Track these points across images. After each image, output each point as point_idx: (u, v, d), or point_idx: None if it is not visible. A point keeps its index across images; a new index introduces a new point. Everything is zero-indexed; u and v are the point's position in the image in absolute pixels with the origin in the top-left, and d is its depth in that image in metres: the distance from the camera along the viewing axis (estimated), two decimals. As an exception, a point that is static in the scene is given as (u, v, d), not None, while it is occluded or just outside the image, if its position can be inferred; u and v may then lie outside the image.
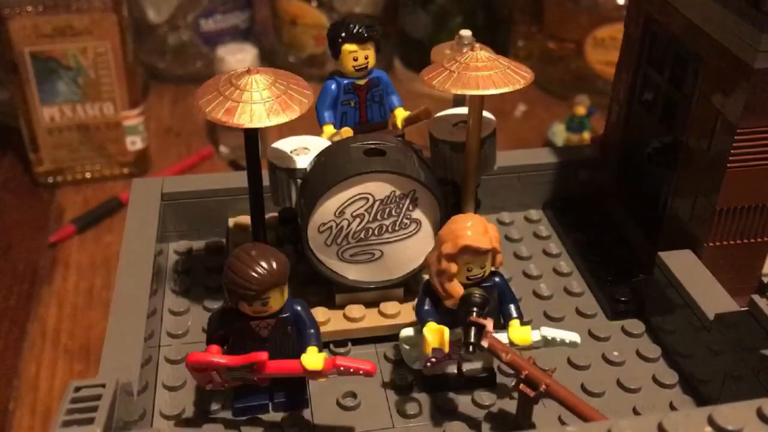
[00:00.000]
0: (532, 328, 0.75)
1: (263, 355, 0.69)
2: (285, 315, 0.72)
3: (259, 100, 0.75)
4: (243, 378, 0.72)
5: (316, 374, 0.70)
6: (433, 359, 0.76)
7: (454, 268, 0.72)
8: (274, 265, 0.68)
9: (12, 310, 1.27)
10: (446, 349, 0.73)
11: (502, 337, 0.74)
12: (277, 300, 0.70)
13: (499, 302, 0.76)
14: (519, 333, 0.75)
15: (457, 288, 0.72)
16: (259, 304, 0.69)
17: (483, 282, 0.74)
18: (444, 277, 0.72)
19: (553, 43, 1.84)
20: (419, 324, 0.75)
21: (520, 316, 0.76)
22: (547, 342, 0.75)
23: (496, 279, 0.76)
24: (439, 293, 0.74)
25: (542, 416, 0.76)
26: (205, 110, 0.75)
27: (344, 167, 0.80)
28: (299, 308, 0.73)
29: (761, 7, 0.74)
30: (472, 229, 0.71)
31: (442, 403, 0.78)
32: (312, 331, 0.73)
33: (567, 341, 0.75)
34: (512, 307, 0.76)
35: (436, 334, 0.72)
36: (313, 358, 0.70)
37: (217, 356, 0.70)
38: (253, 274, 0.67)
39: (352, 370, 0.70)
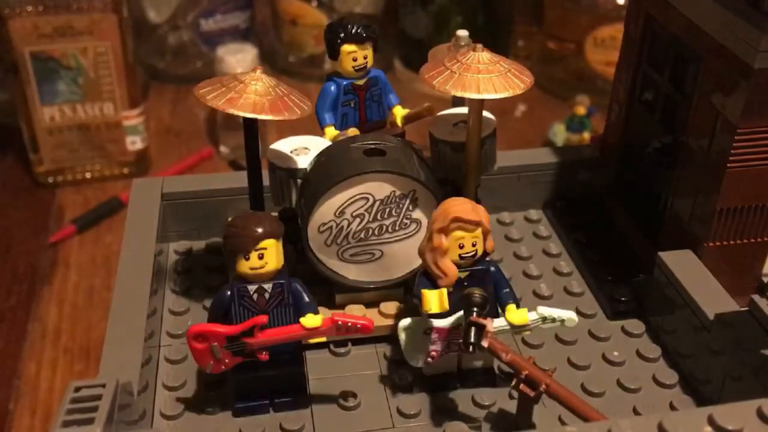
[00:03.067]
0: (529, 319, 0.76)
1: (262, 318, 0.72)
2: (282, 281, 0.74)
3: (263, 93, 0.75)
4: (243, 352, 0.73)
5: (315, 332, 0.73)
6: (434, 353, 0.76)
7: (445, 242, 0.73)
8: (268, 219, 0.73)
9: (12, 310, 1.27)
10: (446, 307, 0.74)
11: (500, 321, 0.75)
12: (272, 257, 0.72)
13: (494, 289, 0.77)
14: (516, 314, 0.75)
15: (449, 265, 0.73)
16: (256, 256, 0.71)
17: (476, 264, 0.75)
18: (437, 254, 0.73)
19: (553, 43, 1.84)
20: (416, 298, 0.76)
21: (515, 301, 0.77)
22: (544, 320, 0.75)
23: (491, 268, 0.77)
24: (433, 273, 0.74)
25: (542, 416, 0.76)
26: (206, 98, 0.75)
27: (344, 167, 0.80)
28: (296, 284, 0.75)
29: (761, 7, 0.74)
30: (460, 204, 0.74)
31: (442, 402, 0.78)
32: (308, 300, 0.75)
33: (564, 318, 0.75)
34: (507, 292, 0.77)
35: (434, 297, 0.74)
36: (311, 319, 0.73)
37: (217, 325, 0.73)
38: (249, 223, 0.72)
39: (350, 323, 0.72)
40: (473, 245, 0.74)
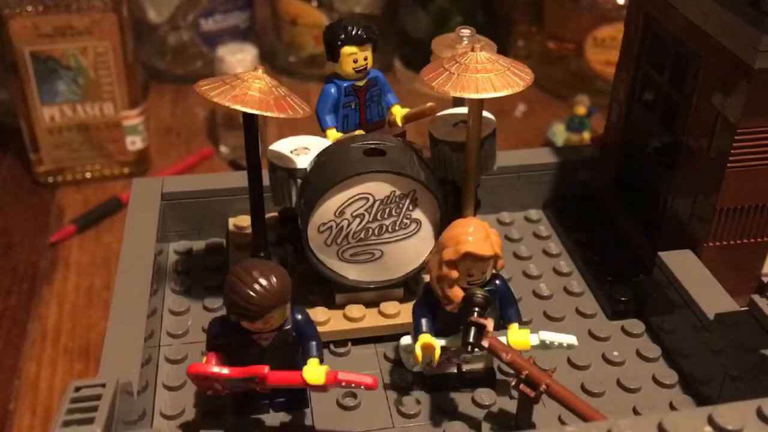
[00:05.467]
0: (532, 330, 0.76)
1: (264, 369, 0.69)
2: (287, 327, 0.72)
3: (267, 92, 0.75)
4: (243, 387, 0.72)
5: (317, 388, 0.70)
6: (432, 364, 0.76)
7: (455, 274, 0.71)
8: (276, 285, 0.67)
9: (12, 310, 1.27)
10: (434, 364, 0.75)
11: (502, 340, 0.74)
12: (278, 317, 0.70)
13: (499, 305, 0.76)
14: (518, 337, 0.75)
15: (457, 293, 0.72)
16: (260, 322, 0.69)
17: (484, 285, 0.74)
18: (445, 283, 0.72)
19: (552, 43, 1.84)
20: (414, 332, 0.76)
21: (519, 320, 0.76)
22: (545, 345, 0.75)
23: (497, 282, 0.75)
24: (439, 298, 0.74)
25: (542, 416, 0.76)
26: (210, 94, 0.75)
27: (344, 167, 0.80)
28: (300, 318, 0.72)
29: (761, 7, 0.74)
30: (474, 235, 0.71)
31: (442, 403, 0.78)
32: (313, 342, 0.73)
33: (565, 344, 0.75)
34: (512, 310, 0.76)
35: (427, 352, 0.74)
36: (314, 373, 0.69)
37: (217, 367, 0.70)
38: (255, 295, 0.66)
39: (353, 384, 0.70)
40: (483, 272, 0.73)
